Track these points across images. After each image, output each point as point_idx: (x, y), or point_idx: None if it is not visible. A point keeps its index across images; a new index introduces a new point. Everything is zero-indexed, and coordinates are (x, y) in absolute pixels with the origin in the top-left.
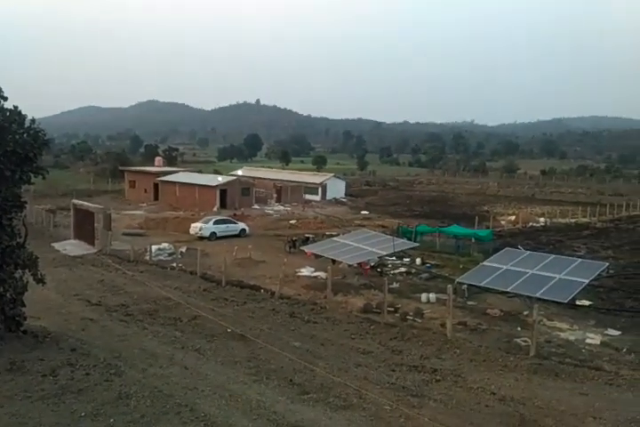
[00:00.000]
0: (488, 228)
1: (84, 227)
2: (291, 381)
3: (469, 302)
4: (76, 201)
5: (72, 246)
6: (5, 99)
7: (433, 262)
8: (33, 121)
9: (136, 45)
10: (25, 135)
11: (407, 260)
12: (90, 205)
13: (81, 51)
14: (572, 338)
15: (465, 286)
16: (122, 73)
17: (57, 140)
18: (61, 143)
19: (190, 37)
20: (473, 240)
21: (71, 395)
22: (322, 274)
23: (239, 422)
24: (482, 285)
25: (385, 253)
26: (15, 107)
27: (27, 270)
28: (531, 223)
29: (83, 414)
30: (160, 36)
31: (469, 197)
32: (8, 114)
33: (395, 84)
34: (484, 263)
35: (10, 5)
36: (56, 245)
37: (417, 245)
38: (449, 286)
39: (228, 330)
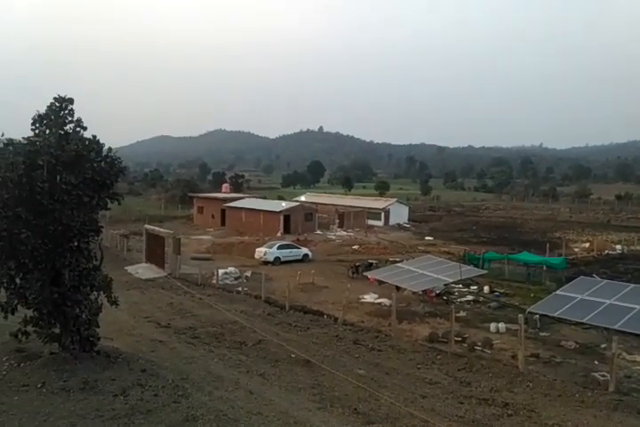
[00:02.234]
0: (560, 255)
1: (155, 251)
2: (355, 409)
3: (542, 334)
4: (147, 226)
5: (143, 270)
6: (85, 128)
7: (502, 291)
8: (110, 150)
9: (207, 78)
10: (102, 163)
11: (474, 288)
12: (161, 230)
13: (155, 83)
14: None
15: (537, 316)
16: (192, 104)
17: (131, 168)
18: (135, 171)
19: (254, 67)
20: (544, 268)
21: (141, 415)
22: (385, 301)
23: None
24: (555, 315)
25: (451, 280)
26: (94, 136)
27: (101, 292)
28: (606, 251)
29: None
30: (227, 69)
31: (539, 223)
32: (87, 143)
33: (459, 108)
34: (558, 292)
35: (84, 43)
36: (129, 269)
37: (485, 272)
38: (520, 315)
39: (292, 355)
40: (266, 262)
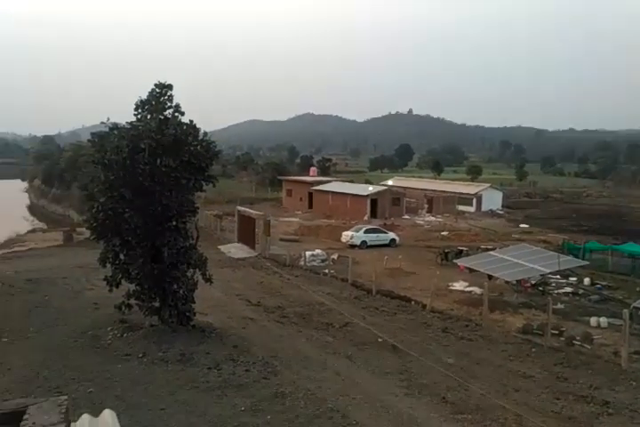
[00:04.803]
0: None
1: (247, 232)
2: (443, 398)
3: None
4: (239, 208)
5: (235, 249)
6: (182, 114)
7: (604, 283)
8: (205, 134)
9: (294, 62)
10: (199, 147)
11: (574, 279)
12: (252, 211)
13: (246, 68)
14: None
15: None
16: (282, 88)
17: (224, 151)
18: (228, 154)
19: (344, 50)
20: None
21: (232, 389)
22: (476, 289)
23: None
24: None
25: (548, 270)
26: (191, 121)
27: (197, 270)
28: None
29: (243, 408)
30: (316, 51)
31: None
32: (185, 127)
33: (558, 88)
34: None
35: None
36: (222, 248)
37: (586, 263)
38: (624, 310)
39: (380, 340)
40: (352, 246)
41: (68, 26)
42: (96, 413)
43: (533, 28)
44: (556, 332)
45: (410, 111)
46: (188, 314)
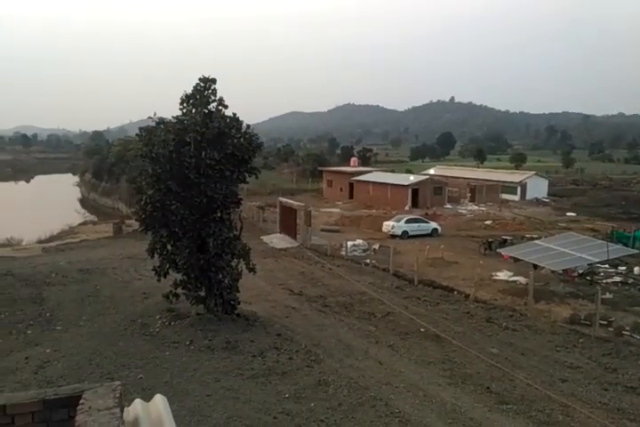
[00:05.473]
0: None
1: (288, 222)
2: (488, 388)
3: None
4: (281, 199)
5: (277, 240)
6: (226, 107)
7: None
8: (248, 127)
9: (335, 53)
10: (242, 140)
11: (623, 268)
12: (293, 202)
13: (289, 62)
14: None
15: None
16: (322, 80)
17: (265, 143)
18: (269, 146)
19: (381, 39)
20: None
21: (276, 376)
22: (521, 279)
23: (434, 424)
24: None
25: (596, 259)
26: (234, 114)
27: (241, 260)
28: None
29: (287, 395)
30: (356, 41)
31: None
32: (228, 120)
33: (605, 71)
34: None
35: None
36: (264, 238)
37: (636, 251)
38: None
39: (422, 329)
40: (393, 236)
41: (112, 26)
42: (146, 398)
43: (576, 13)
44: (605, 322)
45: (452, 99)
46: (232, 303)
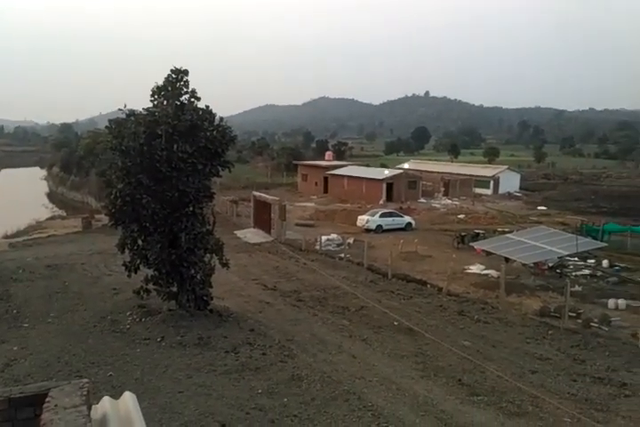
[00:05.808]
0: None
1: (262, 217)
2: (459, 380)
3: None
4: (255, 193)
5: (251, 234)
6: (199, 99)
7: (623, 265)
8: (221, 119)
9: (309, 46)
10: (215, 132)
11: (592, 261)
12: (267, 196)
13: (258, 53)
14: None
15: None
16: (295, 73)
17: (239, 137)
18: (243, 140)
19: (357, 33)
20: None
21: (250, 372)
22: (493, 272)
23: (406, 417)
24: None
25: (566, 252)
26: (207, 106)
27: (214, 255)
28: None
29: (260, 391)
30: (330, 35)
31: None
32: (201, 113)
33: (577, 68)
34: None
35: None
36: (238, 233)
37: (604, 245)
38: None
39: (395, 323)
40: (368, 230)
41: (82, 15)
42: (116, 396)
43: (555, 5)
44: (574, 314)
45: (427, 93)
46: (205, 298)
